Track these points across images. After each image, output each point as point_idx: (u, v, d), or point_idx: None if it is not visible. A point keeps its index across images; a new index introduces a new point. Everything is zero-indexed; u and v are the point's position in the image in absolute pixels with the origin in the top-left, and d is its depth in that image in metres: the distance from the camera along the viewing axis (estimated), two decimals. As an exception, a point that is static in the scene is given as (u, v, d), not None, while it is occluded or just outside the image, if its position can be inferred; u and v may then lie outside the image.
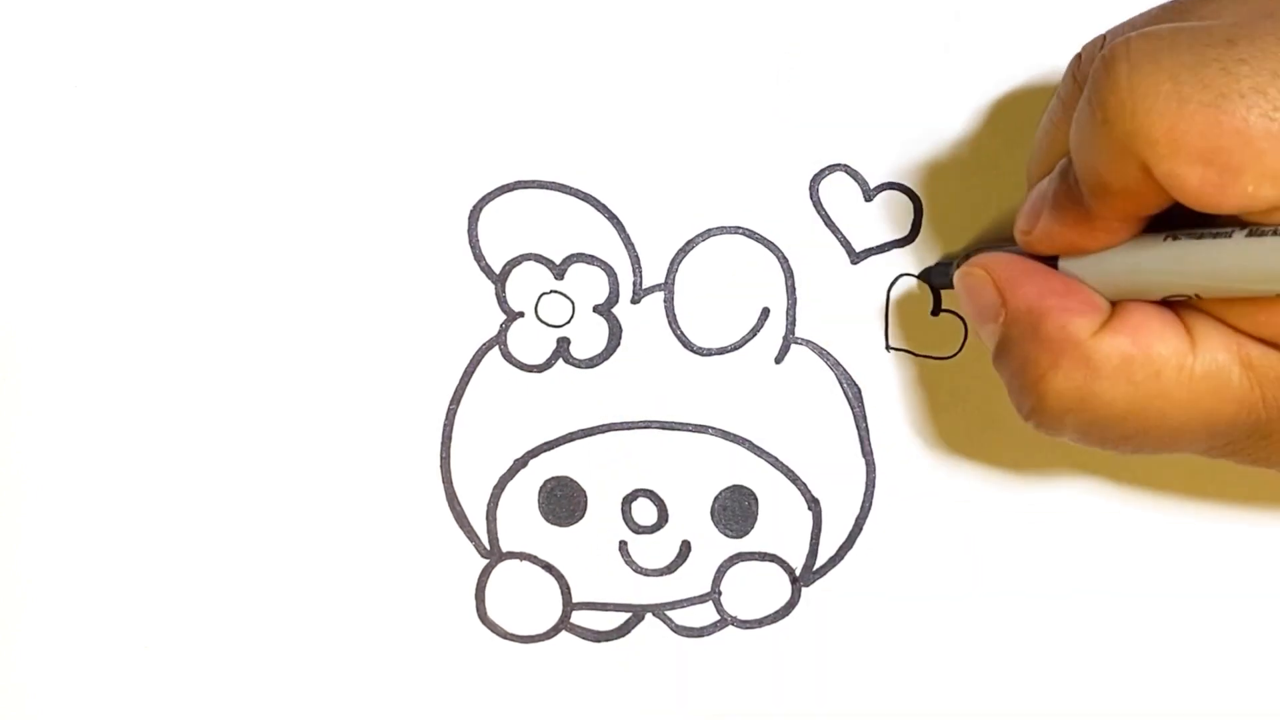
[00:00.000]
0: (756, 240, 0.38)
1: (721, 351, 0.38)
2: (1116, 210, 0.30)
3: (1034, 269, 0.32)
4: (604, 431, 0.38)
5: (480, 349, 0.38)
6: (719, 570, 0.38)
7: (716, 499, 0.38)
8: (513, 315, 0.38)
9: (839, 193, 0.38)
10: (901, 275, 0.38)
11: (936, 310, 0.38)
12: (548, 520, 0.38)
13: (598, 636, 0.38)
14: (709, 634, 0.39)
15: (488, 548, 0.38)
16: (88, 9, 0.38)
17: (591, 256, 0.38)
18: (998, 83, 0.38)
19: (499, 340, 0.38)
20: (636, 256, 0.38)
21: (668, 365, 0.38)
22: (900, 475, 0.38)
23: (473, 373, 0.38)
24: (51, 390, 0.38)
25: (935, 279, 0.38)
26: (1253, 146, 0.27)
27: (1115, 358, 0.30)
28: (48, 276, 0.38)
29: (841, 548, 0.38)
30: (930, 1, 0.38)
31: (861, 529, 0.38)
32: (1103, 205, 0.30)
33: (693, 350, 0.38)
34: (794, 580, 0.38)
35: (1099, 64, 0.28)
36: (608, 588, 0.39)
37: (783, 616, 0.38)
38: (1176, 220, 0.30)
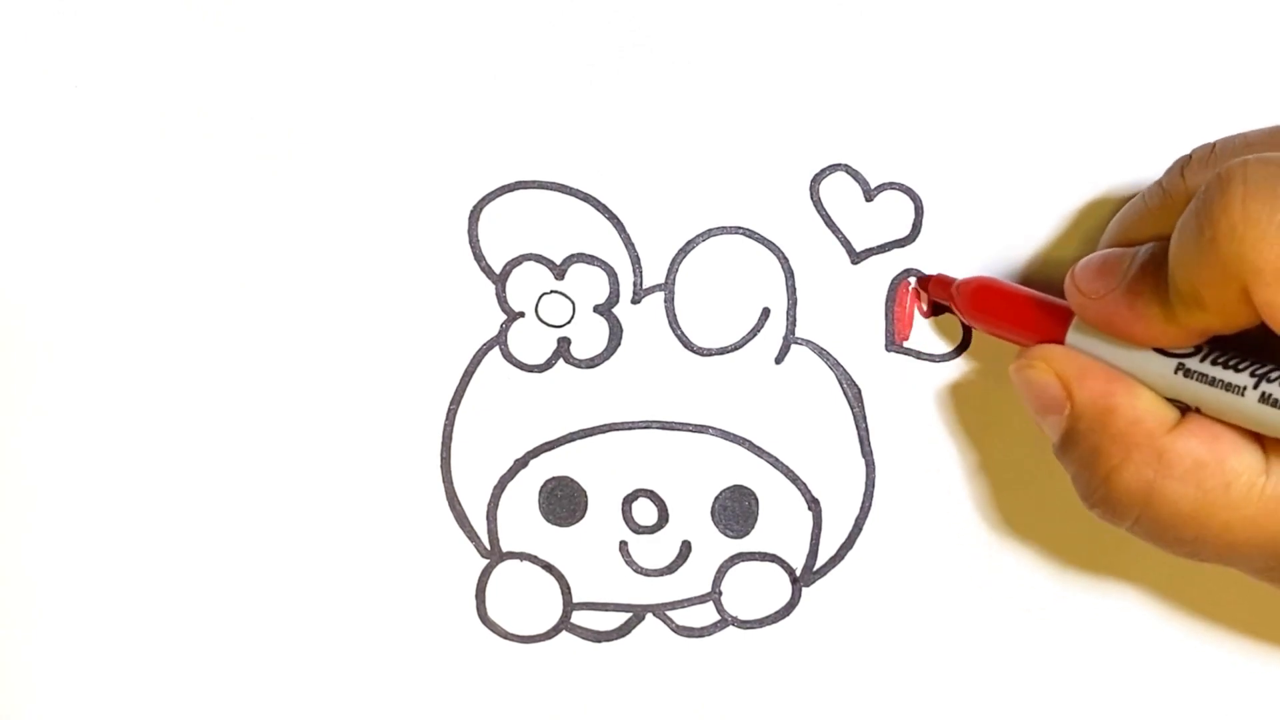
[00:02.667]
0: (757, 240, 0.38)
1: (722, 351, 0.38)
2: (1200, 323, 0.30)
3: (1093, 365, 0.33)
4: (604, 431, 0.38)
5: (481, 349, 0.38)
6: (719, 570, 0.38)
7: (717, 499, 0.38)
8: (513, 315, 0.38)
9: (839, 192, 0.38)
10: (902, 274, 0.38)
11: (937, 310, 0.38)
12: (548, 520, 0.38)
13: (598, 636, 0.39)
14: (709, 634, 0.39)
15: (488, 548, 0.38)
16: (88, 9, 0.38)
17: (592, 256, 0.38)
18: (998, 81, 0.38)
19: (499, 340, 0.38)
20: (637, 256, 0.38)
21: (668, 365, 0.38)
22: (900, 475, 0.38)
23: (473, 373, 0.38)
24: (52, 391, 0.38)
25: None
26: None
27: (1188, 459, 0.30)
28: (48, 277, 0.38)
29: (841, 548, 0.38)
30: (930, 1, 0.38)
31: (861, 529, 0.38)
32: (1189, 315, 0.30)
33: (693, 350, 0.38)
34: (794, 580, 0.38)
35: (1214, 182, 0.29)
36: (608, 588, 0.39)
37: (783, 617, 0.38)
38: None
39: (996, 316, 0.36)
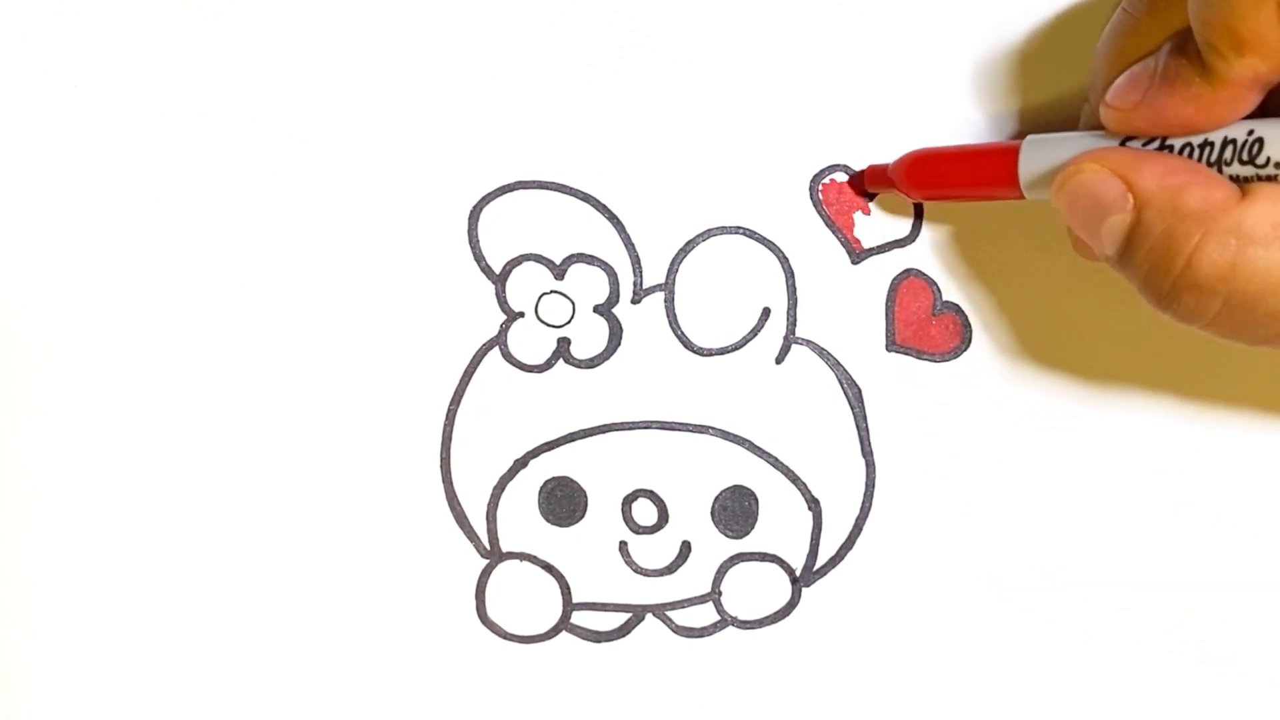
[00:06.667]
0: (757, 240, 0.38)
1: (722, 351, 0.38)
2: (1247, 70, 0.29)
3: (1149, 154, 0.31)
4: (604, 431, 0.38)
5: (480, 349, 0.38)
6: (719, 570, 0.38)
7: (717, 499, 0.38)
8: (513, 315, 0.38)
9: (840, 192, 0.38)
10: (903, 273, 0.38)
11: (938, 310, 0.38)
12: (548, 520, 0.38)
13: (598, 636, 0.39)
14: (709, 634, 0.39)
15: (488, 548, 0.38)
16: (88, 9, 0.38)
17: (592, 256, 0.38)
18: (998, 83, 0.38)
19: (499, 340, 0.38)
20: (637, 256, 0.38)
21: (668, 365, 0.38)
22: (900, 475, 0.38)
23: (473, 373, 0.38)
24: (52, 391, 0.38)
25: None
26: None
27: (1266, 224, 0.29)
28: (48, 277, 0.38)
29: (841, 548, 0.38)
30: (930, 2, 0.38)
31: (861, 529, 0.38)
32: (1232, 66, 0.29)
33: (693, 350, 0.38)
34: (794, 580, 0.38)
35: None
36: (608, 588, 0.39)
37: (783, 617, 0.38)
38: None
39: (941, 180, 0.36)
